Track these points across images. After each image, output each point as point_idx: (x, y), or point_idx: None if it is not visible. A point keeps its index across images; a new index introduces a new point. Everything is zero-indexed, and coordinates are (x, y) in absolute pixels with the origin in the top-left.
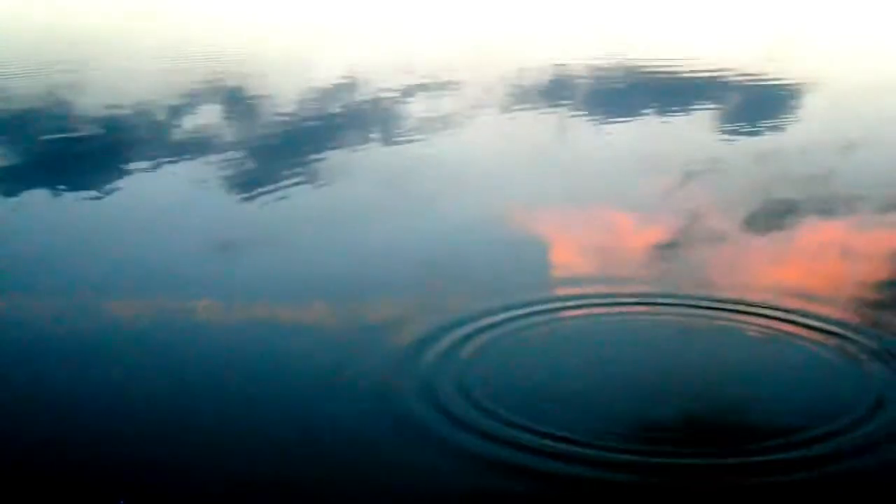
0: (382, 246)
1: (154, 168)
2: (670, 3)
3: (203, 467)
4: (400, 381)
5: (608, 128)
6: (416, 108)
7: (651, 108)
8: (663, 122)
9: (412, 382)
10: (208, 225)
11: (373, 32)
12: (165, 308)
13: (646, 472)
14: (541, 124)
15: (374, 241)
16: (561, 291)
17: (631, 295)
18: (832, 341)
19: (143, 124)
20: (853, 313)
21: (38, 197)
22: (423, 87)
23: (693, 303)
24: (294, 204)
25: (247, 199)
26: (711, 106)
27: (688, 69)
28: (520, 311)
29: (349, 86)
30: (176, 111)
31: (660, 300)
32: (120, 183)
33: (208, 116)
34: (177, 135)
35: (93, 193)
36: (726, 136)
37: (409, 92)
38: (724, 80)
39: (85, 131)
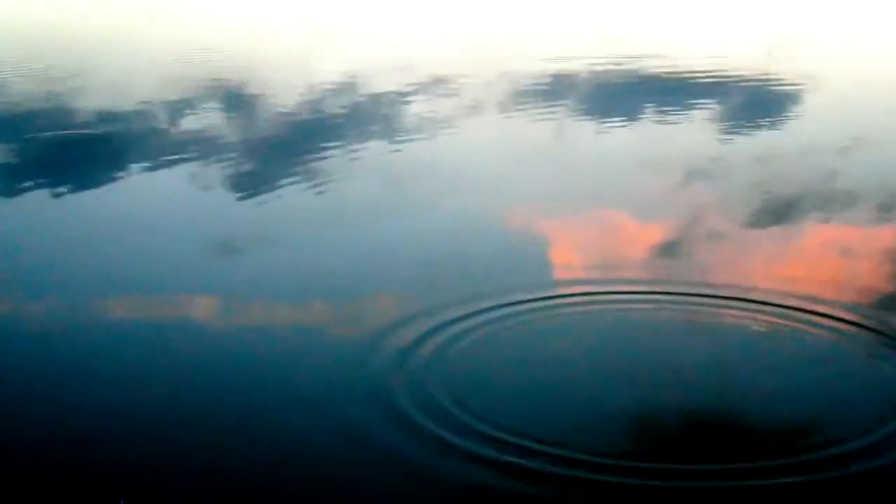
0: (381, 246)
1: (154, 168)
2: (670, 3)
3: (203, 467)
4: (390, 380)
5: (608, 128)
6: (416, 107)
7: (651, 108)
8: (663, 122)
9: (404, 382)
10: (208, 225)
11: (373, 32)
12: (165, 308)
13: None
14: (540, 124)
15: (372, 241)
16: (557, 290)
17: (630, 292)
18: (838, 335)
19: (143, 124)
20: (861, 308)
21: (37, 197)
22: (423, 87)
23: (693, 297)
24: (294, 204)
25: (246, 198)
26: (711, 106)
27: (688, 69)
28: (515, 310)
29: (349, 86)
30: (176, 111)
31: (660, 297)
32: (120, 183)
33: (208, 116)
34: (177, 135)
35: (93, 193)
36: (726, 136)
37: (409, 92)
38: (724, 80)
39: (84, 131)
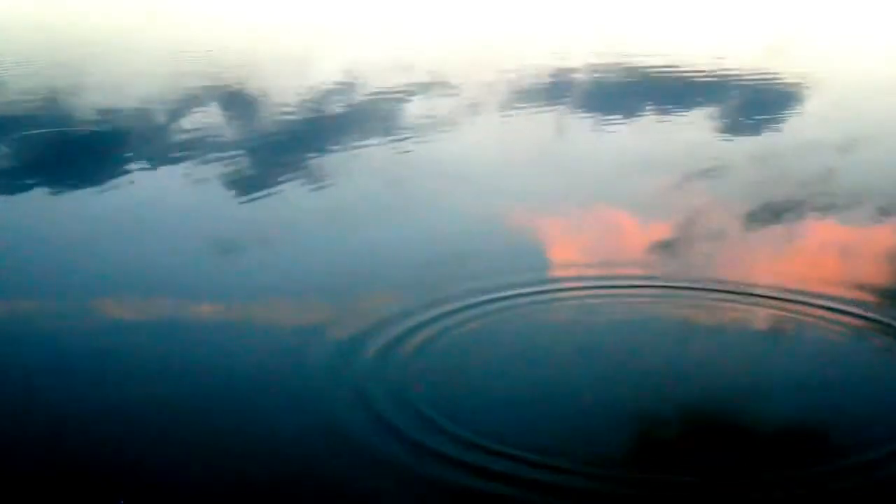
0: (380, 246)
1: (154, 168)
2: (670, 3)
3: (203, 467)
4: (378, 380)
5: (608, 127)
6: (416, 107)
7: (651, 107)
8: (663, 122)
9: (394, 381)
10: (207, 225)
11: (373, 32)
12: (165, 308)
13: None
14: (540, 124)
15: (371, 241)
16: (554, 285)
17: (627, 287)
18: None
19: (143, 124)
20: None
21: (36, 196)
22: (423, 87)
23: (693, 293)
24: (293, 204)
25: (246, 198)
26: (711, 106)
27: (688, 69)
28: (512, 312)
29: (349, 85)
30: (176, 111)
31: (657, 291)
32: (120, 183)
33: (208, 116)
34: (177, 134)
35: (92, 193)
36: (726, 136)
37: (408, 92)
38: (724, 79)
39: (84, 131)
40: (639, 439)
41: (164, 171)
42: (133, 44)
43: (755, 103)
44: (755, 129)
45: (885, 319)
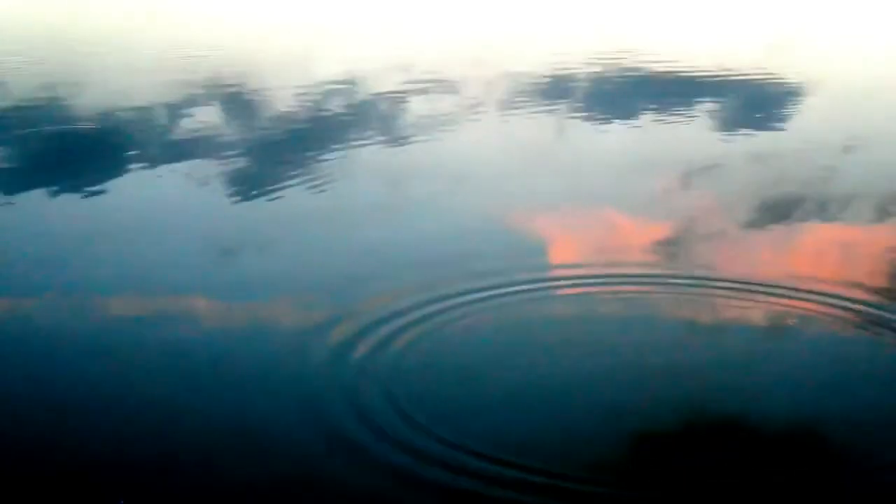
0: (379, 246)
1: (153, 167)
2: (670, 3)
3: (203, 467)
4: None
5: (608, 127)
6: (416, 107)
7: (651, 107)
8: (663, 122)
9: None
10: (207, 225)
11: (373, 32)
12: (164, 308)
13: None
14: (540, 124)
15: (370, 240)
16: (552, 286)
17: (625, 285)
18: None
19: (142, 124)
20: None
21: (36, 196)
22: (422, 87)
23: (692, 287)
24: (292, 204)
25: (246, 198)
26: (711, 106)
27: (688, 69)
28: (511, 311)
29: (349, 85)
30: (176, 111)
31: (656, 290)
32: (119, 183)
33: (208, 116)
34: (176, 134)
35: (92, 193)
36: (726, 136)
37: (408, 92)
38: (724, 79)
39: (84, 131)
40: (636, 438)
41: (163, 170)
42: (133, 44)
43: (755, 103)
44: (755, 129)
45: (887, 315)
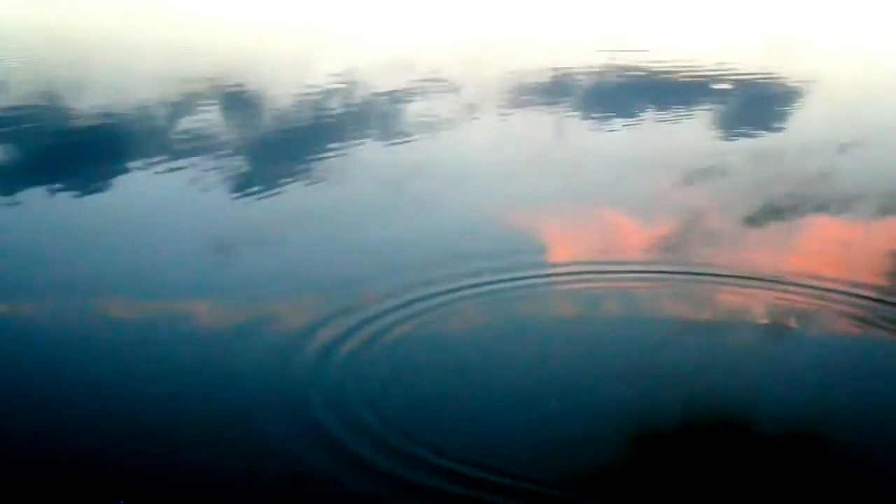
0: (377, 245)
1: (153, 168)
2: (670, 3)
3: (204, 467)
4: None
5: (608, 127)
6: (416, 107)
7: (651, 107)
8: (663, 122)
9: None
10: (207, 225)
11: (373, 32)
12: (165, 308)
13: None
14: (540, 124)
15: (368, 240)
16: (551, 283)
17: (626, 281)
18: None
19: (142, 124)
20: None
21: (35, 196)
22: (422, 87)
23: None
24: (293, 204)
25: (245, 198)
26: (711, 106)
27: (688, 69)
28: (509, 313)
29: (349, 85)
30: (175, 111)
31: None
32: (119, 183)
33: (208, 116)
34: (176, 134)
35: (91, 193)
36: (726, 136)
37: (408, 92)
38: (724, 79)
39: (83, 130)
40: (636, 438)
41: (162, 170)
42: (133, 44)
43: (755, 103)
44: (755, 129)
45: (888, 313)
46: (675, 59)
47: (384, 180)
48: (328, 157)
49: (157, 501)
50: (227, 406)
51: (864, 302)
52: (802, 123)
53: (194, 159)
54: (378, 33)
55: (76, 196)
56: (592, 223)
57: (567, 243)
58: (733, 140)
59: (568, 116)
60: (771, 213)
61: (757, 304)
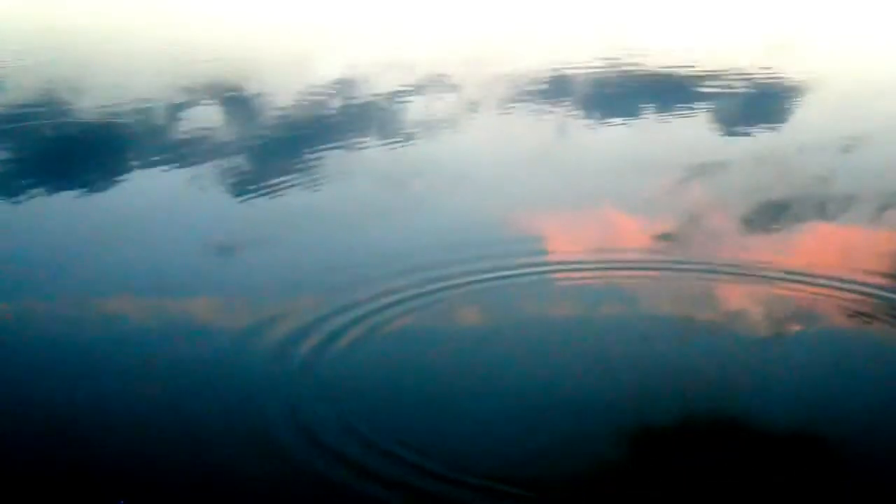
0: (377, 246)
1: (153, 168)
2: (670, 3)
3: (203, 467)
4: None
5: (608, 127)
6: (416, 107)
7: (651, 107)
8: (663, 122)
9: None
10: (207, 225)
11: (373, 32)
12: (165, 308)
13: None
14: (540, 124)
15: (366, 239)
16: (548, 279)
17: (624, 280)
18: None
19: (142, 124)
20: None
21: (35, 196)
22: (422, 87)
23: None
24: (293, 204)
25: (245, 198)
26: (711, 105)
27: (688, 69)
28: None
29: (349, 85)
30: (175, 111)
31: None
32: (119, 183)
33: (208, 116)
34: (176, 134)
35: (91, 193)
36: (726, 136)
37: (408, 92)
38: (725, 79)
39: (83, 130)
40: (636, 438)
41: (163, 170)
42: (132, 44)
43: (755, 103)
44: (755, 129)
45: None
46: (675, 58)
47: (383, 180)
48: (327, 157)
49: (157, 501)
50: (228, 406)
51: (865, 300)
52: (802, 123)
53: (193, 159)
54: (378, 33)
55: (75, 196)
56: (591, 222)
57: (566, 241)
58: (733, 139)
59: (567, 116)
60: (770, 211)
61: (756, 302)
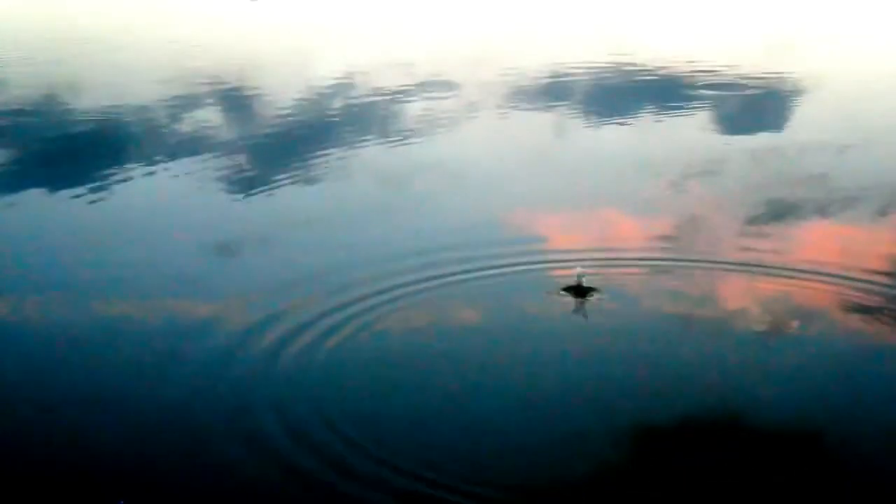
0: (376, 246)
1: (153, 168)
2: (670, 4)
3: (204, 467)
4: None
5: (608, 127)
6: (416, 107)
7: (651, 107)
8: (663, 122)
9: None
10: (207, 224)
11: (373, 32)
12: (166, 308)
13: None
14: (540, 124)
15: (367, 240)
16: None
17: (624, 278)
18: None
19: (142, 124)
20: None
21: (35, 196)
22: (422, 87)
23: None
24: (293, 204)
25: (245, 198)
26: (711, 105)
27: (688, 69)
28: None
29: (349, 86)
30: (176, 111)
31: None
32: (119, 183)
33: (208, 116)
34: (176, 134)
35: (91, 193)
36: (726, 135)
37: (408, 92)
38: (724, 79)
39: (84, 131)
40: (636, 438)
41: (163, 170)
42: (132, 44)
43: (755, 103)
44: (755, 129)
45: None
46: (675, 58)
47: (382, 179)
48: (327, 157)
49: (157, 501)
50: (228, 406)
51: (865, 300)
52: (802, 122)
53: (194, 159)
54: (378, 33)
55: (76, 197)
56: (591, 220)
57: (565, 241)
58: (733, 139)
59: (567, 116)
60: (770, 210)
61: (756, 300)
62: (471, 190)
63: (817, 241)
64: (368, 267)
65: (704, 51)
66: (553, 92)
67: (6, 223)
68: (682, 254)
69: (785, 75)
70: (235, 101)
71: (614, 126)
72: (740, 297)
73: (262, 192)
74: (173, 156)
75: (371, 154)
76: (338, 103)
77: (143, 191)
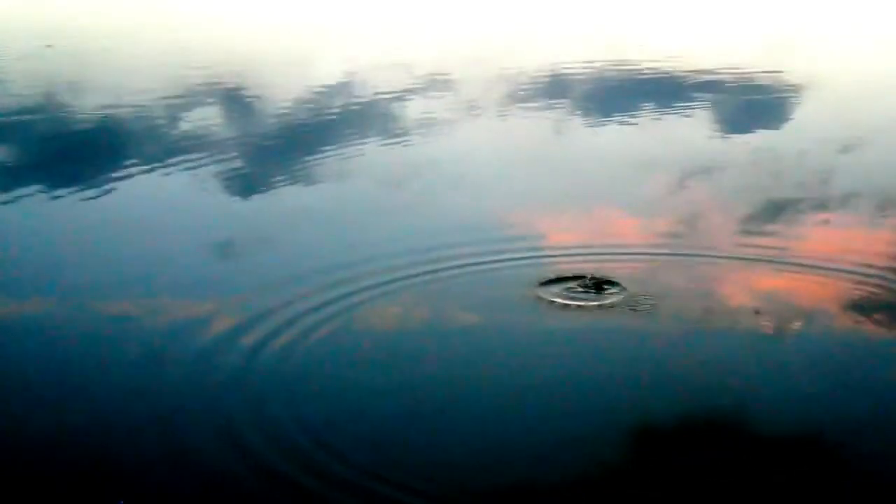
0: (376, 245)
1: (153, 168)
2: (670, 3)
3: (203, 467)
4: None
5: (608, 127)
6: (416, 107)
7: (651, 107)
8: (663, 122)
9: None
10: (207, 225)
11: (373, 32)
12: (166, 308)
13: None
14: (540, 124)
15: (367, 240)
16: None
17: (623, 273)
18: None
19: (142, 124)
20: None
21: (35, 196)
22: (422, 87)
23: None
24: (293, 204)
25: (245, 198)
26: (711, 105)
27: (688, 69)
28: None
29: (349, 86)
30: (176, 111)
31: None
32: (119, 183)
33: (208, 116)
34: (176, 134)
35: (91, 193)
36: (726, 135)
37: (408, 92)
38: (724, 79)
39: (84, 131)
40: (635, 438)
41: (163, 170)
42: (132, 44)
43: (755, 103)
44: (755, 129)
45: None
46: (675, 58)
47: (381, 179)
48: (326, 157)
49: (157, 501)
50: (228, 406)
51: (865, 299)
52: (802, 123)
53: (193, 159)
54: (378, 33)
55: (76, 197)
56: (590, 220)
57: (564, 238)
58: (732, 138)
59: (567, 115)
60: (769, 209)
61: (755, 300)
62: (470, 189)
63: (820, 238)
64: (368, 265)
65: (704, 50)
66: (553, 91)
67: (7, 223)
68: (679, 249)
69: (785, 75)
70: (235, 100)
71: (614, 125)
72: (740, 293)
73: (261, 192)
74: (173, 155)
75: (371, 154)
76: (338, 103)
77: (143, 191)
